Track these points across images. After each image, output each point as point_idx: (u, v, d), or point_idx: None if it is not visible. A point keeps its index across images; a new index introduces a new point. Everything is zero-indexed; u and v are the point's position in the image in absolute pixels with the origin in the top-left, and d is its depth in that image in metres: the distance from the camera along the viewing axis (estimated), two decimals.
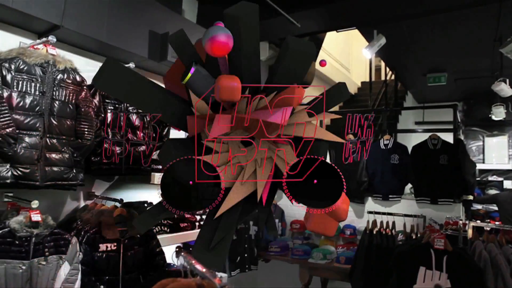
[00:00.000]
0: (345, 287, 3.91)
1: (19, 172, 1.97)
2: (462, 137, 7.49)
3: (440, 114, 7.51)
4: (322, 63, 1.88)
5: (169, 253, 2.67)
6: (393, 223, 3.14)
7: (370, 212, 3.14)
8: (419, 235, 2.75)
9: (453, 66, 6.42)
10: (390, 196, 4.08)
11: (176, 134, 2.92)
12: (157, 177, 2.66)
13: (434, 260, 2.05)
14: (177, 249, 1.08)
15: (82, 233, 2.28)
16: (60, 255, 2.03)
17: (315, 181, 1.85)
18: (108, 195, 2.67)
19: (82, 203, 2.64)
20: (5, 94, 1.94)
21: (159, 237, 2.62)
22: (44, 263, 1.98)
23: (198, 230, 3.05)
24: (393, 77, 7.52)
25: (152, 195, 3.00)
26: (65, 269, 2.04)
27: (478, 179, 7.26)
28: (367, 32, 5.12)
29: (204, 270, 0.84)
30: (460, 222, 2.71)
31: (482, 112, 7.95)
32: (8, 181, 1.94)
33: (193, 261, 0.92)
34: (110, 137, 2.50)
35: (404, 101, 8.21)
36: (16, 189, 2.10)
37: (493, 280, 2.16)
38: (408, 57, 6.18)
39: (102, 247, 2.29)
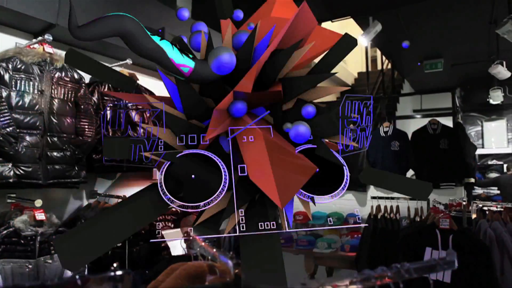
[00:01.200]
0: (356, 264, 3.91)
1: (21, 171, 1.97)
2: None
3: (437, 101, 7.51)
4: None
5: (174, 248, 2.68)
6: (397, 207, 3.14)
7: (373, 198, 3.15)
8: (423, 218, 2.76)
9: (449, 52, 6.41)
10: None
11: None
12: (159, 173, 2.66)
13: (440, 240, 2.06)
14: (185, 235, 1.07)
15: None
16: None
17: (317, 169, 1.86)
18: (111, 193, 2.66)
19: (85, 202, 2.64)
20: (4, 94, 1.94)
21: (163, 232, 2.63)
22: (50, 261, 1.98)
23: None
24: (389, 66, 7.52)
25: None
26: None
27: (478, 163, 7.28)
28: (362, 21, 5.11)
29: (214, 251, 0.84)
30: (464, 203, 2.71)
31: (479, 97, 7.95)
32: (11, 180, 1.93)
33: (203, 244, 0.92)
34: (110, 134, 2.49)
35: (402, 89, 8.22)
36: (19, 189, 2.09)
37: (499, 257, 2.17)
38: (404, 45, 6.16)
39: None
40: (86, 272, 2.06)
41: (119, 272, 0.66)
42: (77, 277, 0.63)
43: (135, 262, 2.37)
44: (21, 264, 1.90)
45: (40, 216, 2.00)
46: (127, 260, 2.33)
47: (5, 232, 1.89)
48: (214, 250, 0.89)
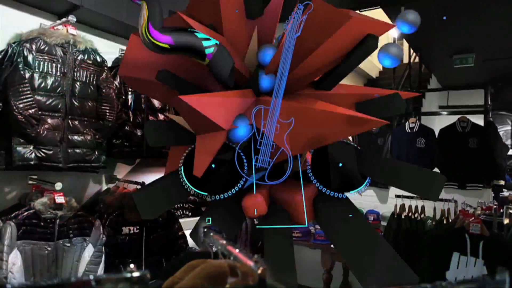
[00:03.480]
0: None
1: (42, 154, 1.96)
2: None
3: (465, 98, 7.22)
4: None
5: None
6: (422, 207, 3.02)
7: (398, 196, 3.03)
8: (450, 220, 2.64)
9: (481, 47, 6.12)
10: None
11: None
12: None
13: (469, 246, 1.95)
14: (205, 229, 1.02)
15: (105, 216, 2.28)
16: (84, 237, 2.03)
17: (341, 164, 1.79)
18: (130, 178, 2.65)
19: (105, 186, 2.64)
20: (27, 75, 1.92)
21: (181, 220, 2.60)
22: (68, 244, 1.98)
23: None
24: (417, 60, 7.25)
25: None
26: (89, 251, 2.05)
27: (507, 164, 7.00)
28: (392, 12, 4.90)
29: (237, 251, 0.78)
30: (494, 206, 2.58)
31: (510, 95, 7.61)
32: (32, 162, 1.93)
33: (224, 242, 0.86)
34: (131, 119, 2.47)
35: (429, 84, 7.93)
36: (40, 172, 2.09)
37: None
38: (434, 38, 5.91)
39: (125, 230, 2.29)
40: (102, 271, 2.05)
41: (135, 274, 0.61)
42: (91, 277, 0.58)
43: (152, 250, 2.36)
44: (41, 246, 1.91)
45: (60, 199, 2.00)
46: (144, 247, 2.32)
47: (26, 213, 1.90)
48: (237, 250, 0.83)
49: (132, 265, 0.59)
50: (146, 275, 0.62)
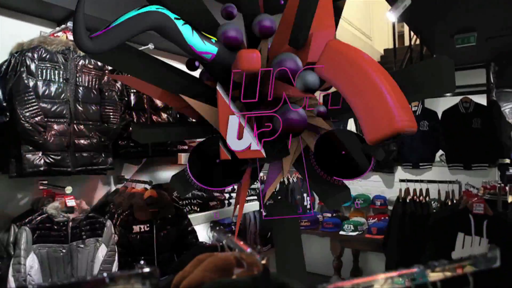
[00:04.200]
0: (377, 257, 3.88)
1: (51, 160, 2.01)
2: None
3: (468, 77, 7.15)
4: None
5: (200, 231, 2.71)
6: (427, 190, 3.04)
7: (402, 180, 3.05)
8: (454, 201, 2.66)
9: (483, 25, 6.03)
10: (421, 164, 3.96)
11: None
12: (184, 157, 2.68)
13: (473, 226, 1.98)
14: (211, 224, 1.06)
15: (116, 216, 2.34)
16: (96, 238, 2.09)
17: (343, 152, 1.82)
18: (137, 178, 2.70)
19: (113, 187, 2.69)
20: (31, 84, 1.97)
21: (189, 216, 2.66)
22: (82, 246, 2.04)
23: (227, 208, 3.08)
24: (418, 42, 7.19)
25: None
26: (102, 251, 2.10)
27: None
28: None
29: (242, 244, 0.82)
30: (498, 185, 2.59)
31: None
32: (42, 168, 1.98)
33: (229, 235, 0.90)
34: (135, 120, 2.51)
35: None
36: (49, 177, 2.15)
37: None
38: (434, 18, 5.85)
39: (136, 228, 2.34)
40: (116, 269, 2.10)
41: (146, 269, 0.65)
42: (105, 274, 0.62)
43: (163, 246, 2.42)
44: (55, 248, 1.97)
45: (71, 202, 2.06)
46: (155, 244, 2.38)
47: (39, 218, 1.96)
48: (241, 242, 0.87)
49: (142, 262, 0.63)
50: (156, 271, 0.66)
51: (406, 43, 7.54)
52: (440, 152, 4.12)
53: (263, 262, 0.80)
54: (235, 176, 1.78)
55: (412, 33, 7.10)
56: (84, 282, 0.63)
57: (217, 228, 1.05)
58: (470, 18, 5.74)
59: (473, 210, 2.01)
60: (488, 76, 4.51)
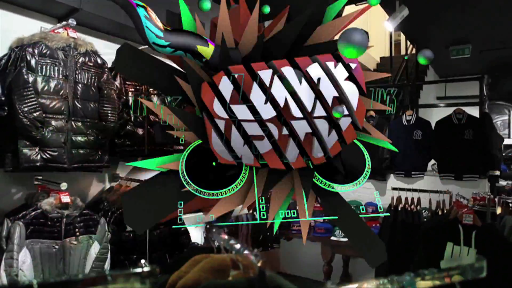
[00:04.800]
0: (367, 264, 3.91)
1: (47, 155, 2.02)
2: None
3: (462, 88, 7.26)
4: None
5: (194, 232, 2.72)
6: (418, 199, 3.09)
7: (394, 189, 3.10)
8: (445, 211, 2.71)
9: (477, 37, 6.13)
10: (413, 172, 4.01)
11: None
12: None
13: (462, 236, 2.02)
14: (207, 226, 1.08)
15: (109, 213, 2.34)
16: (90, 235, 2.09)
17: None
18: (132, 177, 2.71)
19: (108, 185, 2.70)
20: (31, 79, 1.97)
21: (184, 217, 2.66)
22: (75, 242, 2.04)
23: None
24: (413, 52, 7.28)
25: None
26: (95, 249, 2.11)
27: (503, 154, 7.06)
28: (387, 4, 4.92)
29: (238, 245, 0.84)
30: (488, 197, 2.65)
31: (508, 85, 7.64)
32: (38, 164, 1.99)
33: (226, 237, 0.92)
34: (132, 119, 2.52)
35: (426, 75, 7.96)
36: (45, 172, 2.15)
37: None
38: (430, 29, 5.93)
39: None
40: (108, 267, 2.10)
41: (146, 268, 0.67)
42: (107, 273, 0.64)
43: (156, 246, 2.42)
44: (49, 244, 1.97)
45: (65, 198, 2.06)
46: (148, 243, 2.38)
47: (33, 213, 1.96)
48: (238, 244, 0.89)
49: (142, 261, 0.65)
50: (156, 270, 0.68)
51: (403, 51, 7.62)
52: (432, 161, 4.18)
53: (259, 264, 0.82)
54: (224, 182, 1.80)
55: (408, 43, 7.18)
56: (86, 278, 0.65)
57: (213, 229, 1.07)
58: (465, 30, 5.84)
59: (463, 221, 2.05)
60: (481, 88, 4.58)
